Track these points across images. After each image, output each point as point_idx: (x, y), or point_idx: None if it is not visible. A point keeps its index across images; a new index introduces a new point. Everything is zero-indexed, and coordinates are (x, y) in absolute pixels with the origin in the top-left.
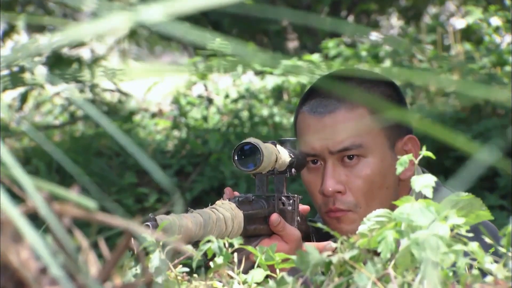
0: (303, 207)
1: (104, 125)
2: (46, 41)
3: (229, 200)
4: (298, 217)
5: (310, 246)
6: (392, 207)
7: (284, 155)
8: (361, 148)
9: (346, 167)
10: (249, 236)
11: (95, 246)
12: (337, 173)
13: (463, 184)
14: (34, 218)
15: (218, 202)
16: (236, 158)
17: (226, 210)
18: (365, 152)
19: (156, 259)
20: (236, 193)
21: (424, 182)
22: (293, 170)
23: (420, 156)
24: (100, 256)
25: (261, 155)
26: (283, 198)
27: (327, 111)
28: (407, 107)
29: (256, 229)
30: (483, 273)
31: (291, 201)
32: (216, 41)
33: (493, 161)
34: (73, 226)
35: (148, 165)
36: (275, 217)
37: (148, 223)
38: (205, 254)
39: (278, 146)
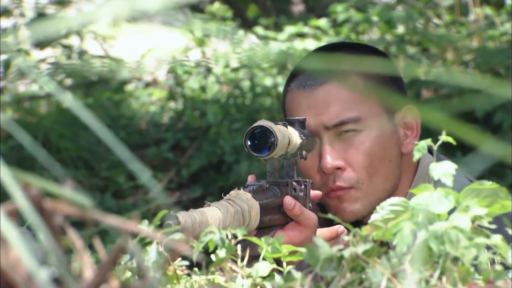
0: (314, 193)
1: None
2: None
3: (243, 189)
4: (310, 204)
5: (320, 239)
6: (396, 182)
7: (295, 137)
8: (358, 120)
9: (343, 141)
10: (264, 228)
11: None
12: (335, 148)
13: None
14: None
15: (232, 193)
16: (248, 143)
17: (243, 202)
18: (363, 124)
19: (153, 252)
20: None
21: (443, 169)
22: (303, 152)
23: (440, 142)
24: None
25: (275, 139)
26: (294, 183)
27: (317, 83)
28: (401, 77)
29: (270, 220)
30: (507, 268)
31: (302, 186)
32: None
33: (502, 155)
34: (67, 225)
35: (127, 159)
36: (288, 199)
37: (170, 222)
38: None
39: (289, 128)
